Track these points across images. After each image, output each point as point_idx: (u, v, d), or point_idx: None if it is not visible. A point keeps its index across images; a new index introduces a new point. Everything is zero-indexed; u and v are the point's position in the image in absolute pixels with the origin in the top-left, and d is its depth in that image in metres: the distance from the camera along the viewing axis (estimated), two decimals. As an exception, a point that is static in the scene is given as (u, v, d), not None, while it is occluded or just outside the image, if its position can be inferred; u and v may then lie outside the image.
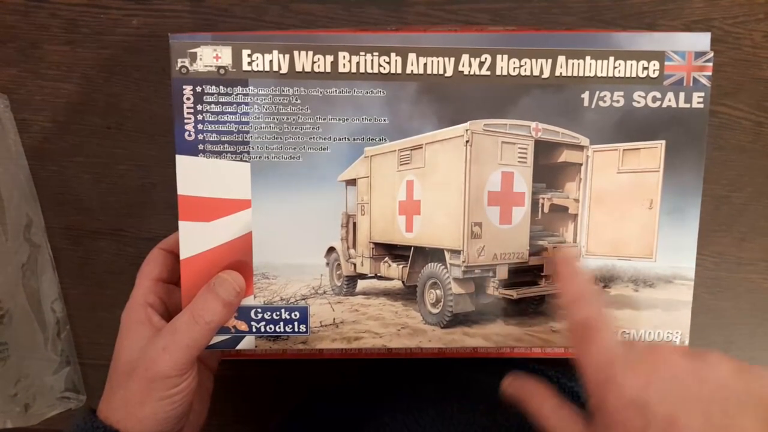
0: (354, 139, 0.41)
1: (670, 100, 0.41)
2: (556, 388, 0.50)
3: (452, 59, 0.40)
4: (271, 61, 0.40)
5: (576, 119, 0.41)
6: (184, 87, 0.40)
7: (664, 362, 0.33)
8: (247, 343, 0.43)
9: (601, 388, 0.33)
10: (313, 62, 0.40)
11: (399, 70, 0.40)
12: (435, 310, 0.44)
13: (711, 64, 0.41)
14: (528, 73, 0.40)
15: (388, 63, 0.40)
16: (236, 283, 0.40)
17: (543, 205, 0.43)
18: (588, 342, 0.35)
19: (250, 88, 0.40)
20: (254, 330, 0.42)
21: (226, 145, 0.40)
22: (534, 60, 0.40)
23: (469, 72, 0.40)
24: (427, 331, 0.43)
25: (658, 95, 0.41)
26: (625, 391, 0.32)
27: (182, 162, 0.40)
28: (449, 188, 0.42)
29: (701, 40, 0.41)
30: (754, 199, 0.56)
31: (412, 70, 0.40)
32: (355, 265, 0.45)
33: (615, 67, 0.41)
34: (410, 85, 0.40)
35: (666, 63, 0.41)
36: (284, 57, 0.40)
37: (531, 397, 0.38)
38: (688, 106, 0.41)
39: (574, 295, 0.37)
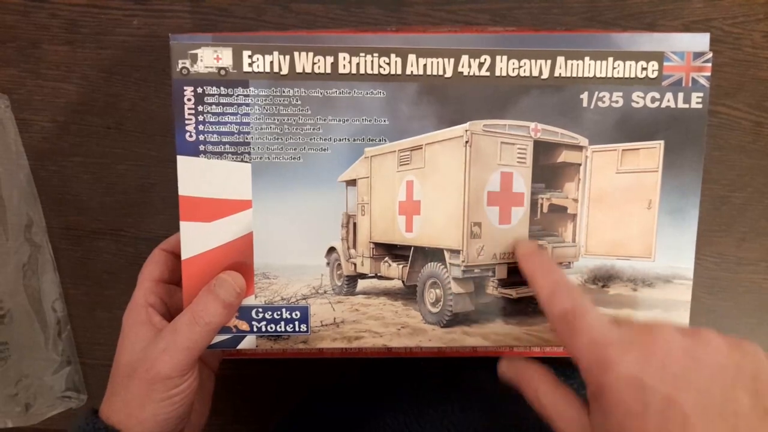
0: (354, 140, 0.41)
1: (668, 101, 0.41)
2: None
3: (452, 60, 0.40)
4: (271, 62, 0.40)
5: (575, 119, 0.41)
6: (184, 88, 0.40)
7: (660, 341, 0.32)
8: (248, 342, 0.43)
9: (597, 372, 0.33)
10: (314, 63, 0.40)
11: (399, 71, 0.40)
12: (435, 310, 0.44)
13: (710, 64, 0.41)
14: (527, 73, 0.41)
15: (388, 64, 0.40)
16: (236, 284, 0.40)
17: (542, 205, 0.43)
18: (575, 330, 0.34)
19: (251, 89, 0.40)
20: (255, 330, 0.43)
21: (226, 146, 0.40)
22: (533, 60, 0.40)
23: (469, 73, 0.40)
24: (427, 331, 0.43)
25: (657, 95, 0.41)
26: (622, 371, 0.32)
27: (183, 163, 0.40)
28: (449, 188, 0.42)
29: (700, 41, 0.41)
30: (754, 199, 0.56)
31: (411, 71, 0.40)
32: (355, 264, 0.45)
33: (614, 68, 0.41)
34: (410, 85, 0.40)
35: (665, 63, 0.41)
36: (284, 58, 0.40)
37: (528, 379, 0.38)
38: (686, 106, 0.41)
39: (548, 289, 0.36)
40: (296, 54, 0.40)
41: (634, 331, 0.33)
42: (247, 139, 0.40)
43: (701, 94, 0.41)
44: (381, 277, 0.46)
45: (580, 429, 0.34)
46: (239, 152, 0.40)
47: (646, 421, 0.30)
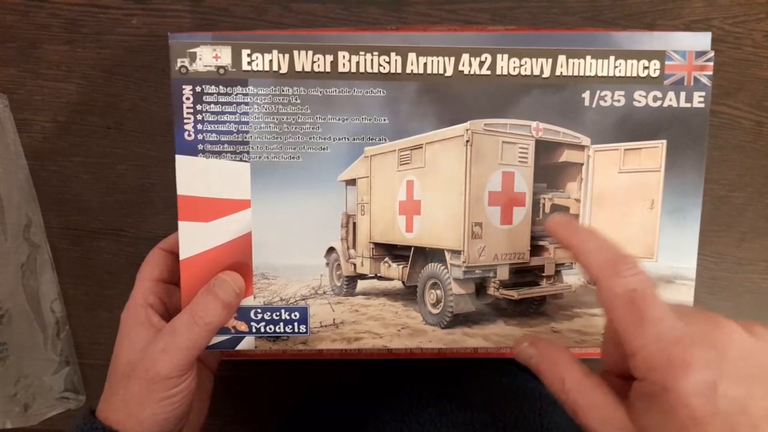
0: (354, 139, 0.41)
1: (670, 100, 0.41)
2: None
3: (452, 59, 0.40)
4: (270, 61, 0.40)
5: (577, 119, 0.41)
6: (183, 87, 0.39)
7: (731, 338, 0.29)
8: (246, 343, 0.43)
9: (664, 372, 0.29)
10: (313, 62, 0.40)
11: (399, 70, 0.40)
12: (435, 311, 0.43)
13: (712, 63, 0.41)
14: (528, 72, 0.40)
15: (388, 63, 0.40)
16: (235, 284, 0.40)
17: (544, 205, 0.43)
18: (643, 319, 0.30)
19: (250, 87, 0.40)
20: (254, 330, 0.42)
21: (225, 145, 0.40)
22: (534, 59, 0.40)
23: (470, 72, 0.40)
24: (428, 332, 0.43)
25: (659, 95, 0.41)
26: (697, 373, 0.28)
27: (182, 162, 0.40)
28: (450, 188, 0.42)
29: (702, 40, 0.41)
30: (754, 199, 0.56)
31: (412, 70, 0.40)
32: (355, 265, 0.45)
33: (615, 67, 0.40)
34: (410, 84, 0.40)
35: (666, 62, 0.41)
36: (284, 57, 0.39)
37: (553, 364, 0.33)
38: (688, 105, 0.41)
39: (609, 258, 0.31)
40: (296, 53, 0.39)
41: (702, 326, 0.30)
42: (246, 138, 0.40)
43: (703, 93, 0.41)
44: (381, 278, 0.45)
45: (618, 429, 0.31)
46: (238, 151, 0.40)
47: (713, 426, 0.28)
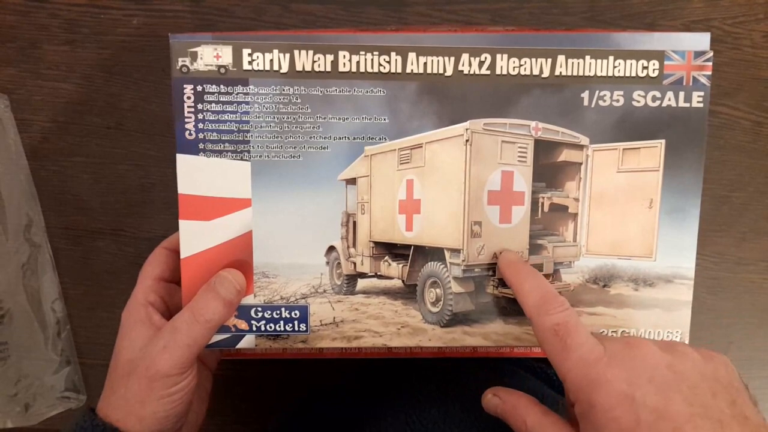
0: (354, 139, 0.41)
1: (669, 100, 0.41)
2: (556, 387, 0.50)
3: (452, 59, 0.40)
4: (271, 61, 0.40)
5: (576, 119, 0.41)
6: (184, 86, 0.40)
7: (644, 357, 0.33)
8: (247, 342, 0.43)
9: (587, 390, 0.33)
10: (314, 61, 0.40)
11: (399, 70, 0.40)
12: (435, 309, 0.44)
13: (711, 63, 0.41)
14: (528, 72, 0.41)
15: (388, 62, 0.40)
16: (236, 282, 0.40)
17: (543, 204, 0.43)
18: (566, 347, 0.34)
19: (251, 87, 0.40)
20: (254, 329, 0.42)
21: (226, 144, 0.40)
22: (534, 59, 0.40)
23: (469, 71, 0.40)
24: (427, 330, 0.43)
25: (658, 94, 0.41)
26: (613, 387, 0.32)
27: (182, 161, 0.40)
28: (449, 187, 0.42)
29: (701, 40, 0.41)
30: (754, 199, 0.56)
31: (412, 70, 0.40)
32: (355, 264, 0.45)
33: (615, 67, 0.41)
34: (410, 84, 0.40)
35: (665, 62, 0.41)
36: (284, 56, 0.40)
37: (513, 409, 0.38)
38: (687, 105, 0.41)
39: (537, 297, 0.37)
40: (296, 52, 0.40)
41: (618, 347, 0.34)
42: (246, 137, 0.40)
43: (702, 93, 0.41)
44: (381, 277, 0.45)
45: None
46: (239, 150, 0.40)
47: None
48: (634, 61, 0.41)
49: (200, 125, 0.40)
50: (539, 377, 0.51)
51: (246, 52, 0.39)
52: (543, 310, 0.36)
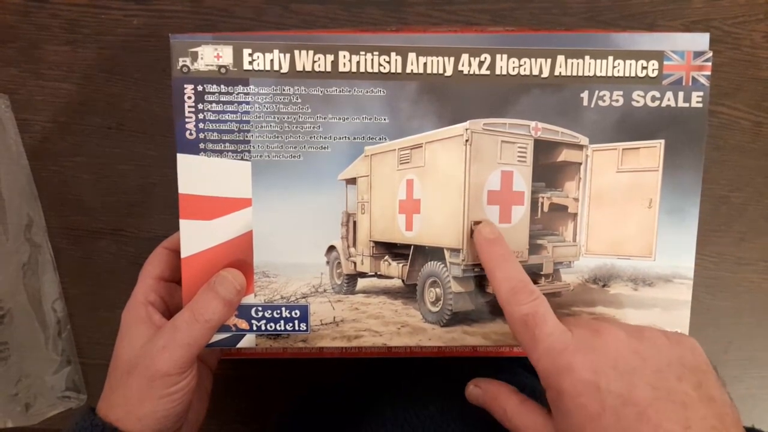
0: (354, 138, 0.41)
1: (669, 100, 0.41)
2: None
3: (452, 59, 0.40)
4: (271, 61, 0.40)
5: (575, 119, 0.41)
6: (185, 86, 0.40)
7: (609, 343, 0.34)
8: (247, 341, 0.43)
9: (555, 378, 0.34)
10: (314, 62, 0.40)
11: (399, 70, 0.40)
12: (435, 309, 0.44)
13: (710, 63, 0.41)
14: (527, 72, 0.41)
15: (388, 62, 0.40)
16: (237, 282, 0.40)
17: (542, 204, 0.43)
18: (535, 338, 0.35)
19: (251, 87, 0.40)
20: (255, 328, 0.42)
21: (226, 144, 0.40)
22: (533, 60, 0.40)
23: (469, 71, 0.40)
24: (427, 330, 0.43)
25: (657, 95, 0.41)
26: (579, 375, 0.33)
27: (183, 161, 0.40)
28: (449, 187, 0.42)
29: (700, 40, 0.41)
30: (753, 199, 0.56)
31: (412, 70, 0.40)
32: (355, 263, 0.45)
33: (614, 67, 0.41)
34: (410, 84, 0.40)
35: (665, 62, 0.41)
36: (285, 56, 0.40)
37: (494, 399, 0.39)
38: (687, 105, 0.41)
39: (509, 286, 0.37)
40: (296, 52, 0.40)
41: (585, 334, 0.35)
42: (247, 137, 0.40)
43: (701, 93, 0.41)
44: (381, 276, 0.46)
45: None
46: (239, 150, 0.40)
47: (605, 419, 0.32)
48: (633, 62, 0.41)
49: (201, 125, 0.40)
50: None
51: (246, 52, 0.40)
52: (513, 300, 0.36)
